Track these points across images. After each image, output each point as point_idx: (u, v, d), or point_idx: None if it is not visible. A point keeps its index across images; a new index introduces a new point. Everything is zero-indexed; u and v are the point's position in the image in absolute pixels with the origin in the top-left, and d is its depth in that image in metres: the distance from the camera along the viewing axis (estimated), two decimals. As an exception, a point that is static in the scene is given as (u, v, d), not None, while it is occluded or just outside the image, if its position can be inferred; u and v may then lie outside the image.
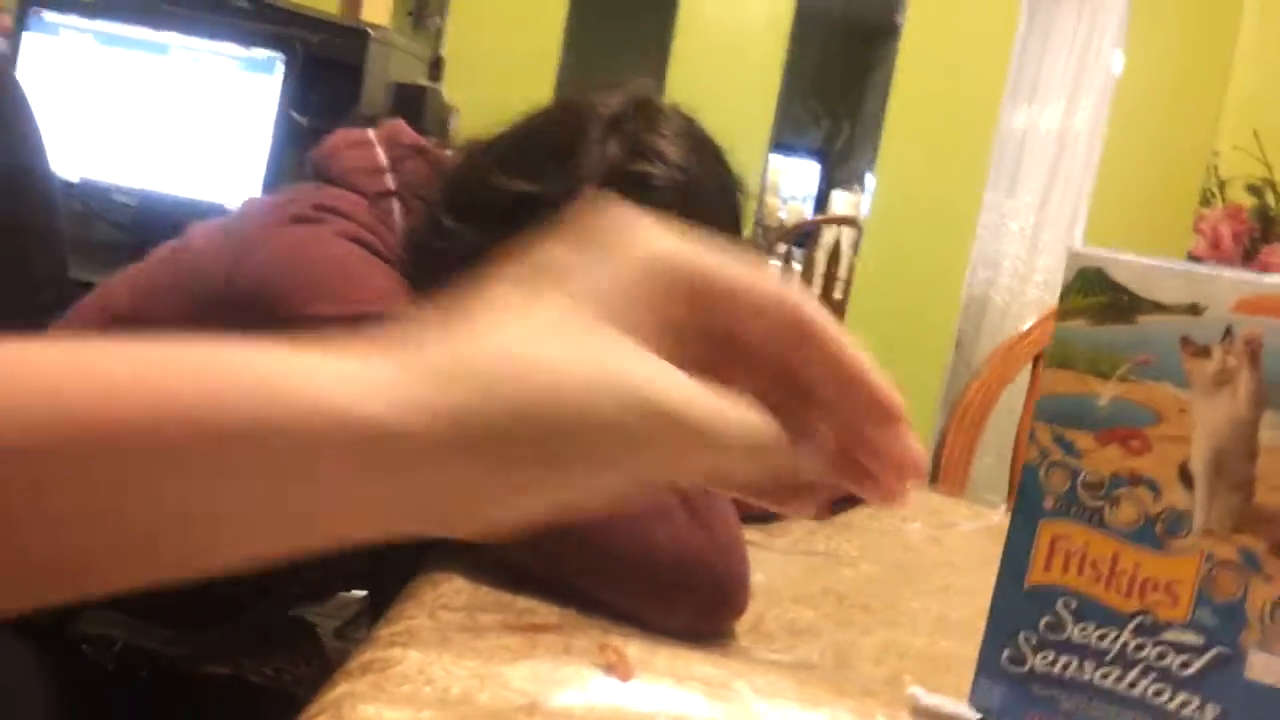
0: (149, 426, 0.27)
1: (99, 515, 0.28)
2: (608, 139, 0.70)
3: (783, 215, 4.34)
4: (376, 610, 0.64)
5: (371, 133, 0.79)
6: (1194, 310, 0.47)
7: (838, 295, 2.95)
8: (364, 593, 0.97)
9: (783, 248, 3.15)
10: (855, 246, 2.92)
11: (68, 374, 0.28)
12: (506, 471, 0.30)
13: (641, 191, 0.68)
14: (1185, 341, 0.47)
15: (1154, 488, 0.48)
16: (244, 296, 0.65)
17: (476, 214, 0.70)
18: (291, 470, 0.29)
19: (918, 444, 0.35)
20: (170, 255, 0.76)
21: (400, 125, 0.81)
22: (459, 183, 0.73)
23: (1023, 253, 3.79)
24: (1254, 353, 0.46)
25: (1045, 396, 0.51)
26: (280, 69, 1.73)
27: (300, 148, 1.74)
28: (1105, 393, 0.49)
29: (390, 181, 0.74)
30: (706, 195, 0.70)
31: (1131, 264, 0.49)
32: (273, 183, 1.71)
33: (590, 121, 0.71)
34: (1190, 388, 0.47)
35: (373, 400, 0.29)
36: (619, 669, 0.49)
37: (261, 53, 1.74)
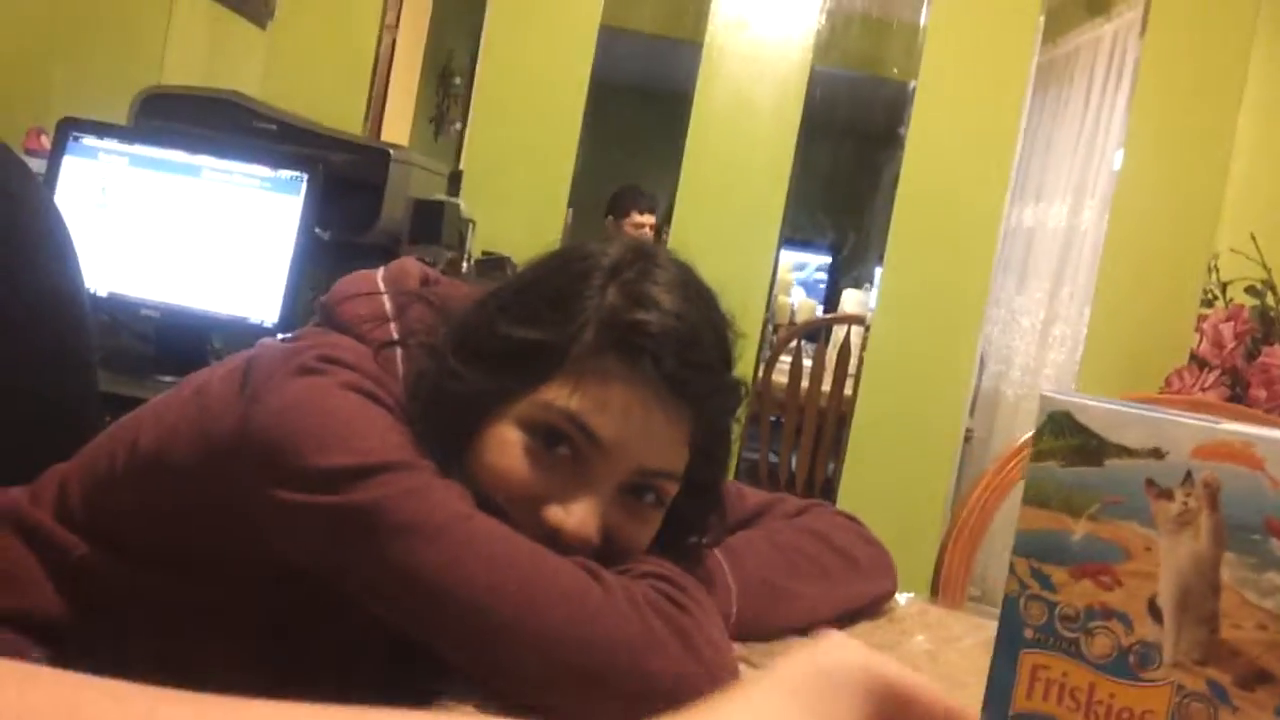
0: None
1: None
2: (607, 287, 0.74)
3: (794, 313, 4.40)
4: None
5: (379, 277, 0.82)
6: (1157, 454, 0.50)
7: (848, 392, 2.99)
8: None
9: (793, 344, 3.20)
10: (864, 343, 2.97)
11: None
12: None
13: (639, 338, 0.72)
14: (1149, 484, 0.50)
15: (1126, 621, 0.51)
16: (254, 446, 0.68)
17: (481, 358, 0.74)
18: None
19: None
20: (192, 396, 0.79)
21: (406, 268, 0.84)
22: (467, 327, 0.76)
23: (1033, 348, 3.84)
24: (1212, 496, 0.49)
25: (1022, 532, 0.54)
26: (304, 188, 1.80)
27: (321, 262, 1.81)
28: (1077, 530, 0.52)
29: (394, 330, 0.78)
30: (700, 340, 0.74)
31: (1097, 409, 0.52)
32: (293, 296, 1.77)
33: (591, 270, 0.75)
34: (1155, 527, 0.50)
35: None
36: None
37: (286, 173, 1.81)
